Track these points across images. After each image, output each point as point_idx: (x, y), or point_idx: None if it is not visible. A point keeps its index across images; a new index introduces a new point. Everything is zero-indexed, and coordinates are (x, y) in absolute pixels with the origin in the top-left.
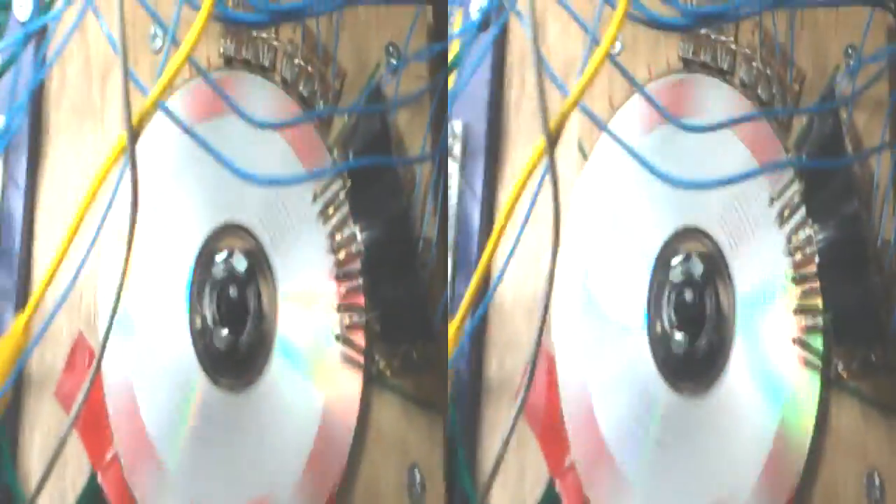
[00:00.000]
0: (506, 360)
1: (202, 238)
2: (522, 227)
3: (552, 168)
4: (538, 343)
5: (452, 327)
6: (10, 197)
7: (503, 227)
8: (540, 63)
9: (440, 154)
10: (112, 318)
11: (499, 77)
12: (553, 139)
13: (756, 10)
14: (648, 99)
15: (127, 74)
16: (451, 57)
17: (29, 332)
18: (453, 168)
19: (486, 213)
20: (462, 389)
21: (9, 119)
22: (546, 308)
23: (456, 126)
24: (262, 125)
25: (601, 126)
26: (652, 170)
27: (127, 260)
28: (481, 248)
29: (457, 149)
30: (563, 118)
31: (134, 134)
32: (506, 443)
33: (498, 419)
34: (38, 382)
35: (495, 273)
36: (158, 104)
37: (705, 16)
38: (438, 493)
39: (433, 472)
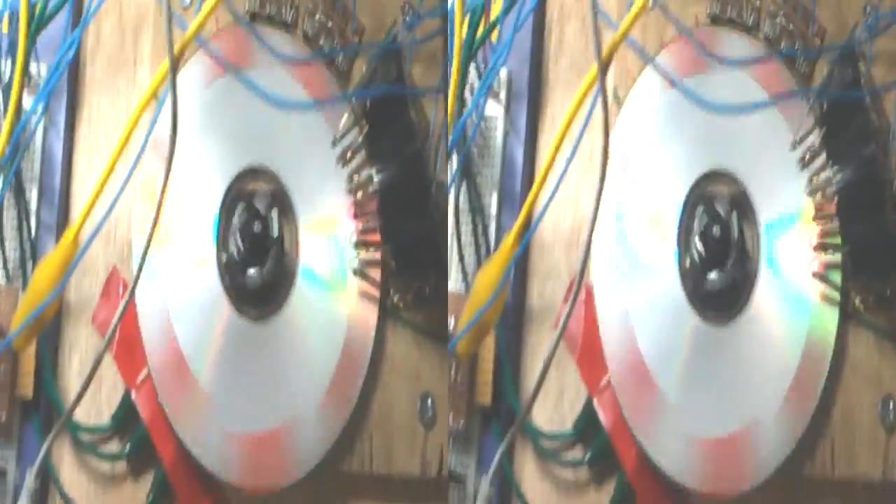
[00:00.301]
0: (546, 289)
1: (229, 180)
2: (567, 165)
3: (603, 93)
4: (582, 274)
5: (507, 241)
6: (50, 139)
7: (552, 162)
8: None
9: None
10: (146, 250)
11: (539, 26)
12: (604, 66)
13: None
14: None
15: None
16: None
17: (77, 243)
18: (498, 112)
19: (529, 153)
20: (507, 314)
21: (52, 71)
22: (589, 240)
23: (501, 73)
24: (282, 58)
25: (648, 59)
26: (692, 97)
27: (164, 190)
28: (524, 186)
29: (502, 94)
30: (614, 48)
31: (175, 63)
32: (548, 363)
33: (539, 343)
34: (76, 310)
35: (537, 209)
36: (196, 39)
37: None
38: (447, 420)
39: (444, 401)
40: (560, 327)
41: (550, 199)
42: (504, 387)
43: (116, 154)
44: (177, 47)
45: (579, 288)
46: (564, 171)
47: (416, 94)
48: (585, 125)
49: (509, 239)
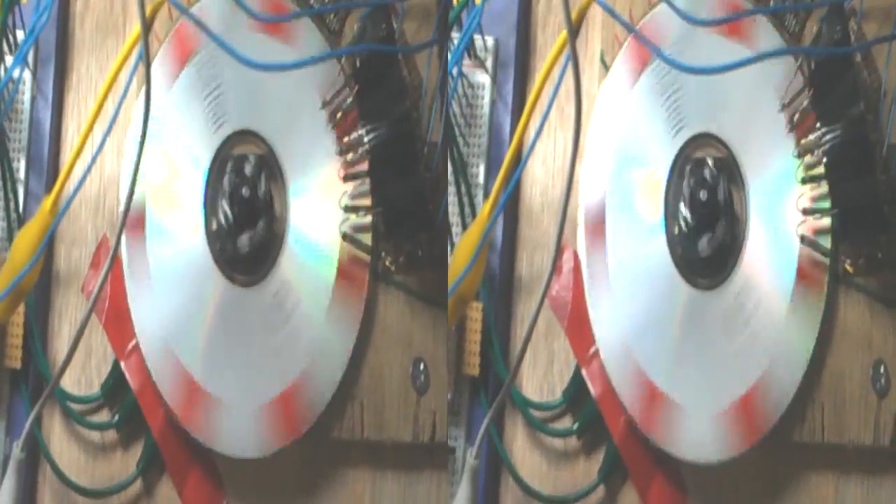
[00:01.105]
0: (535, 259)
1: (217, 144)
2: (542, 123)
3: (574, 59)
4: (559, 239)
5: (483, 212)
6: (38, 108)
7: (528, 119)
8: None
9: (445, 49)
10: (124, 216)
11: None
12: (574, 30)
13: None
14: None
15: None
16: None
17: (55, 210)
18: (485, 80)
19: (517, 123)
20: (495, 283)
21: (29, 34)
22: (565, 207)
23: (488, 41)
24: (269, 19)
25: (623, 23)
26: (672, 63)
27: (139, 157)
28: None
29: (489, 63)
30: (583, 11)
31: (146, 25)
32: (531, 328)
33: (528, 312)
34: (65, 279)
35: (525, 177)
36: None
37: None
38: (441, 384)
39: (437, 365)
40: (540, 296)
41: (524, 164)
42: (493, 358)
43: (91, 120)
44: (148, 10)
45: (557, 255)
46: (536, 138)
47: (406, 52)
48: (556, 91)
49: (487, 207)
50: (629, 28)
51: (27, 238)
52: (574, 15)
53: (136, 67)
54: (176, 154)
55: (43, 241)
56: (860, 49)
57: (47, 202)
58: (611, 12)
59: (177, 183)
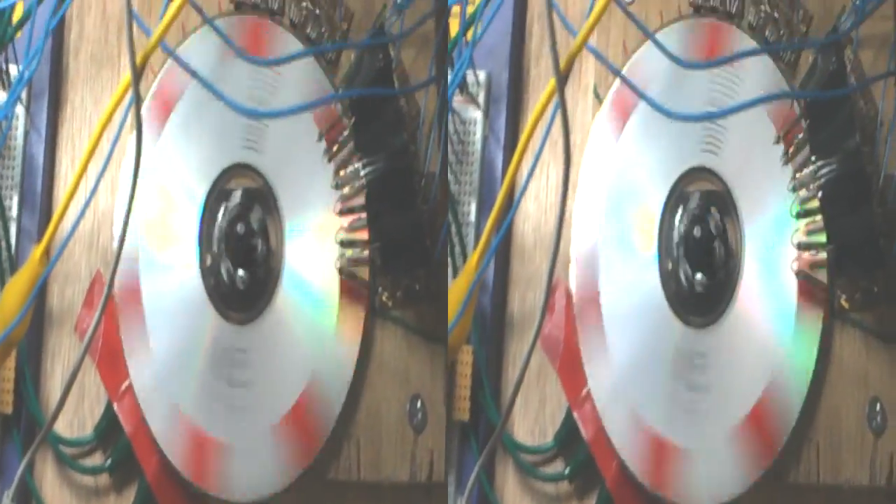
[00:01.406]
0: (527, 297)
1: (212, 177)
2: (533, 165)
3: (562, 107)
4: (551, 277)
5: (471, 261)
6: (32, 142)
7: (518, 164)
8: (550, 5)
9: (442, 86)
10: (118, 254)
11: (520, 28)
12: (563, 78)
13: None
14: (659, 46)
15: (131, 15)
16: None
17: (45, 262)
18: (477, 116)
19: (509, 159)
20: (486, 324)
21: (23, 68)
22: (557, 244)
23: (480, 75)
24: (267, 63)
25: (612, 69)
26: (658, 108)
27: (131, 198)
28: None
29: (481, 98)
30: (571, 58)
31: (138, 74)
32: (523, 371)
33: (520, 353)
34: (58, 318)
35: (518, 213)
36: (161, 45)
37: None
38: (439, 422)
39: (434, 403)
40: (532, 337)
41: (515, 206)
42: (484, 402)
43: (85, 161)
44: (139, 56)
45: (549, 293)
46: (528, 177)
47: (406, 92)
48: (549, 127)
49: (474, 258)
50: (615, 72)
51: (17, 287)
52: (563, 62)
53: (131, 103)
54: (171, 187)
55: (33, 292)
56: (859, 89)
57: (37, 251)
58: (598, 56)
59: (172, 217)
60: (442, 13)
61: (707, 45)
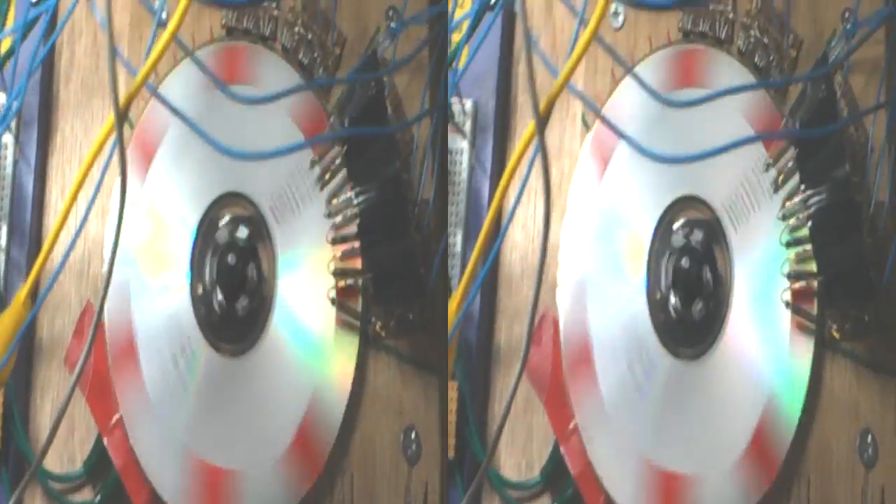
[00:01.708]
0: (514, 328)
1: (204, 206)
2: (517, 199)
3: (542, 150)
4: (535, 308)
5: (456, 295)
6: (21, 173)
7: (500, 200)
8: (529, 45)
9: (437, 114)
10: (107, 284)
11: (507, 55)
12: (542, 122)
13: None
14: (639, 81)
15: (113, 55)
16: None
17: (28, 304)
18: (464, 145)
19: (495, 189)
20: (472, 357)
21: (10, 99)
22: (541, 274)
23: (466, 104)
24: (255, 100)
25: (593, 109)
26: (641, 151)
27: (117, 235)
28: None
29: (467, 126)
30: (551, 100)
31: (122, 116)
32: (508, 405)
33: (506, 387)
34: (48, 350)
35: (505, 242)
36: (145, 85)
37: None
38: (434, 454)
39: (429, 434)
40: (518, 370)
41: (506, 228)
42: (469, 437)
43: (74, 191)
44: (122, 99)
45: (535, 324)
46: (515, 204)
47: (401, 128)
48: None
49: (20, 294)
50: (595, 111)
51: (1, 329)
52: (542, 104)
53: (115, 146)
54: (164, 216)
55: (17, 336)
56: (849, 122)
57: (22, 293)
58: (582, 98)
59: (164, 246)
60: (436, 41)
61: (693, 72)
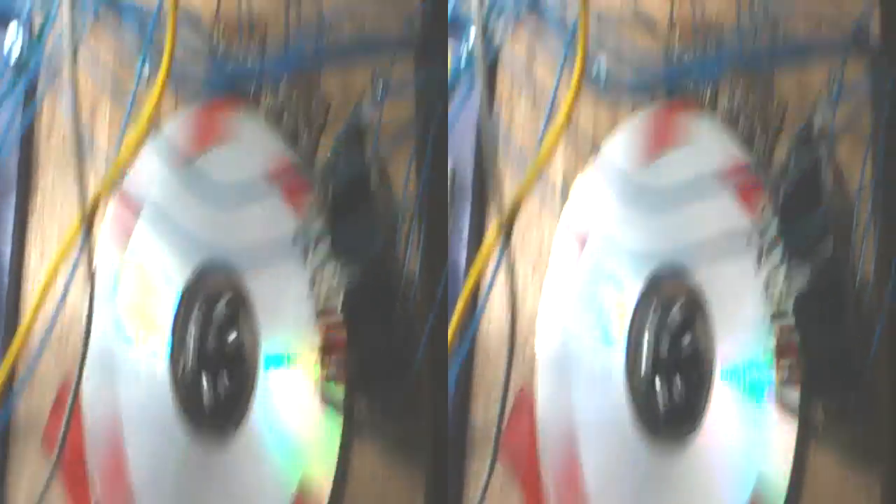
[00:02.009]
0: (490, 405)
1: (185, 280)
2: (492, 281)
3: (507, 258)
4: (506, 391)
5: None
6: None
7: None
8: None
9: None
10: (82, 362)
11: (486, 117)
12: (507, 228)
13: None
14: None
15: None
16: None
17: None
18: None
19: (473, 259)
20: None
21: None
22: (511, 354)
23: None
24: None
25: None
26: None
27: (86, 339)
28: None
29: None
30: (517, 205)
31: (89, 222)
32: (484, 490)
33: (484, 470)
34: (25, 429)
35: (482, 318)
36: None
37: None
38: None
39: None
40: (492, 452)
41: (483, 304)
42: None
43: (52, 270)
44: (91, 196)
45: (504, 403)
46: (491, 285)
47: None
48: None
49: None
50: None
51: None
52: (506, 212)
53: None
54: (142, 290)
55: None
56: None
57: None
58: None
59: (141, 324)
60: (423, 105)
61: (671, 135)
